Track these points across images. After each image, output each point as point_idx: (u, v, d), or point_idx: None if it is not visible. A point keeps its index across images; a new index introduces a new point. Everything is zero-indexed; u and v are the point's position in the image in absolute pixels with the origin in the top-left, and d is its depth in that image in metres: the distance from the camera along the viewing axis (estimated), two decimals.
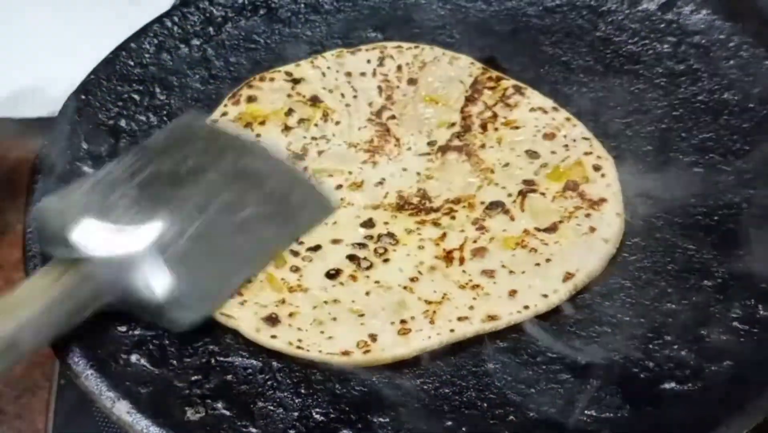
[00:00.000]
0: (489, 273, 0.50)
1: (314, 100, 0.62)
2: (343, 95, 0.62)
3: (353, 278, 0.50)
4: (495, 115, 0.60)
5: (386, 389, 0.45)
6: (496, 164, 0.57)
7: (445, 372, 0.46)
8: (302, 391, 0.45)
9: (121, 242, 0.45)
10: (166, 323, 0.46)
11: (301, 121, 0.60)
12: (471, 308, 0.48)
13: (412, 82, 0.63)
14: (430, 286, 0.49)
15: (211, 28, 0.67)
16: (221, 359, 0.46)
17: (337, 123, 0.61)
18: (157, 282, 0.45)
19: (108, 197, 0.47)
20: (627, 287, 0.49)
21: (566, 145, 0.57)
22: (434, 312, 0.48)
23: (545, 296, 0.48)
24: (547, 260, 0.50)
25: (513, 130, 0.59)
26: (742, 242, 0.50)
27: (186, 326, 0.46)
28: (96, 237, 0.45)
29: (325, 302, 0.49)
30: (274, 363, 0.46)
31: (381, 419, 0.43)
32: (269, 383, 0.45)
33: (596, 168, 0.55)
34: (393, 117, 0.61)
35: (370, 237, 0.53)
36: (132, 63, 0.64)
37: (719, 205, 0.53)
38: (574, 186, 0.54)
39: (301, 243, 0.52)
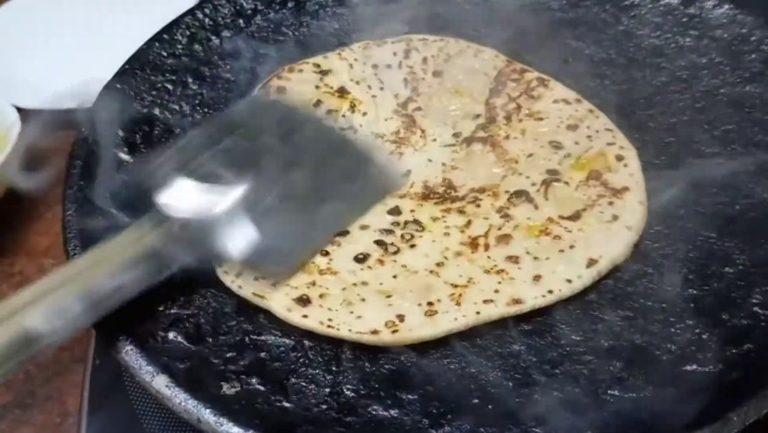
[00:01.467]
0: (514, 259, 0.51)
1: (342, 92, 0.63)
2: (369, 87, 0.64)
3: (381, 262, 0.52)
4: (519, 107, 0.61)
5: (414, 368, 0.46)
6: (520, 155, 0.58)
7: (471, 353, 0.47)
8: (333, 368, 0.46)
9: (206, 202, 0.47)
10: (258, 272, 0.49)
11: (329, 112, 0.62)
12: (496, 291, 0.49)
13: (437, 74, 0.64)
14: (455, 270, 0.51)
15: (241, 20, 0.69)
16: (254, 337, 0.48)
17: (364, 114, 0.62)
18: (243, 239, 0.47)
19: (193, 161, 0.50)
20: (649, 273, 0.50)
21: (589, 136, 0.58)
22: (460, 295, 0.49)
23: (569, 281, 0.49)
24: (571, 247, 0.51)
25: (537, 121, 0.60)
26: (763, 232, 0.51)
27: (277, 278, 0.49)
28: (182, 198, 0.47)
29: (354, 284, 0.50)
30: (306, 342, 0.48)
31: (410, 396, 0.45)
32: (301, 360, 0.47)
33: (619, 158, 0.56)
34: (419, 108, 0.62)
35: (397, 224, 0.54)
36: (165, 54, 0.65)
37: (741, 196, 0.54)
38: (597, 175, 0.55)
39: None
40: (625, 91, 0.62)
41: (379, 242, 0.53)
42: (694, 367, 0.45)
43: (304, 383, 0.45)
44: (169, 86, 0.63)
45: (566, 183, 0.55)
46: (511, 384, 0.45)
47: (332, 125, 0.60)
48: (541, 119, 0.60)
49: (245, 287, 0.50)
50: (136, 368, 0.45)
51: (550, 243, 0.52)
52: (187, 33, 0.67)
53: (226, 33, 0.68)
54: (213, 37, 0.67)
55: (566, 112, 0.60)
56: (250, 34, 0.68)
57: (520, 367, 0.46)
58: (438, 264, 0.51)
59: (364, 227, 0.54)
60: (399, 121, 0.61)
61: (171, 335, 0.47)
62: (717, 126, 0.59)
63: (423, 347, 0.47)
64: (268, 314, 0.49)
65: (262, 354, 0.47)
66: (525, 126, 0.60)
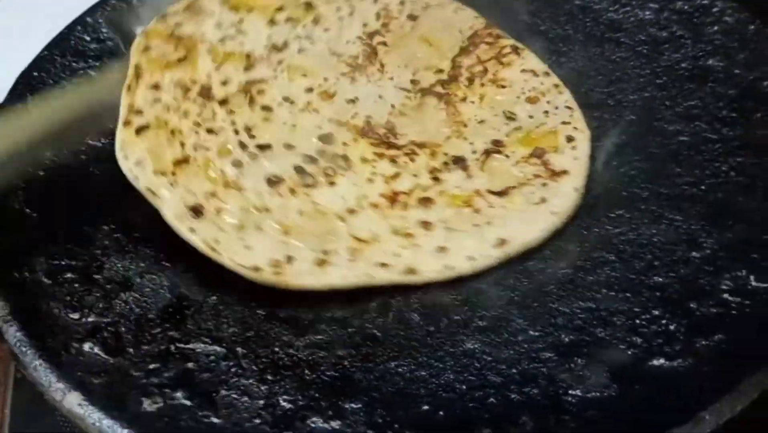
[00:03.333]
0: (426, 225, 0.48)
1: (309, 6, 0.60)
2: (339, 8, 0.61)
3: (293, 192, 0.49)
4: (485, 71, 0.58)
5: (359, 373, 0.42)
6: (471, 119, 0.55)
7: (421, 354, 0.43)
8: (269, 378, 0.42)
9: None
10: None
11: (288, 19, 0.59)
12: (396, 255, 0.46)
13: (411, 18, 0.62)
14: (365, 222, 0.48)
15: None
16: (181, 346, 0.43)
17: (326, 30, 0.59)
18: None
19: None
20: (611, 261, 0.47)
21: (546, 112, 0.55)
22: (358, 252, 0.46)
23: (472, 258, 0.47)
24: (488, 223, 0.48)
25: (498, 88, 0.57)
26: (730, 212, 0.48)
27: None
28: None
29: (256, 208, 0.47)
30: (239, 349, 0.43)
31: (353, 405, 0.40)
32: (233, 369, 0.42)
33: (569, 139, 0.54)
34: (384, 44, 0.60)
35: (324, 153, 0.51)
36: (88, 38, 0.60)
37: (706, 175, 0.51)
38: (541, 153, 0.53)
39: (253, 137, 0.51)
40: (583, 69, 0.59)
41: (298, 168, 0.50)
42: (662, 361, 0.41)
43: (235, 396, 0.41)
44: (92, 73, 0.58)
45: (507, 156, 0.53)
46: (464, 387, 0.41)
47: None
48: (503, 87, 0.58)
49: (141, 178, 0.48)
50: (45, 385, 0.40)
51: (468, 216, 0.49)
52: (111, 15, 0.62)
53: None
54: None
55: (530, 84, 0.57)
56: None
57: (474, 367, 0.42)
58: (350, 210, 0.49)
59: (289, 146, 0.51)
60: (360, 48, 0.59)
61: (87, 347, 0.43)
62: (679, 102, 0.55)
63: (369, 347, 0.43)
64: (196, 319, 0.44)
65: (190, 364, 0.42)
66: (485, 91, 0.57)
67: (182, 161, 0.50)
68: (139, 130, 0.51)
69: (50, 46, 0.59)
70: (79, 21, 0.61)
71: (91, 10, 0.62)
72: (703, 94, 0.55)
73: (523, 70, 0.58)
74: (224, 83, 0.55)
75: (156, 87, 0.53)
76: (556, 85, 0.58)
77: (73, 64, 0.59)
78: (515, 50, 0.60)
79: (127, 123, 0.51)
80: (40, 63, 0.58)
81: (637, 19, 0.61)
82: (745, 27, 0.58)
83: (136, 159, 0.49)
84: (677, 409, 0.38)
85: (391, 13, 0.62)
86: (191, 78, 0.54)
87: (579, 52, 0.60)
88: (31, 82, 0.57)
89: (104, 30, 0.61)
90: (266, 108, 0.54)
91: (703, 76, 0.56)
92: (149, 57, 0.55)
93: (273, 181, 0.49)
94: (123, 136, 0.51)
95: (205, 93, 0.54)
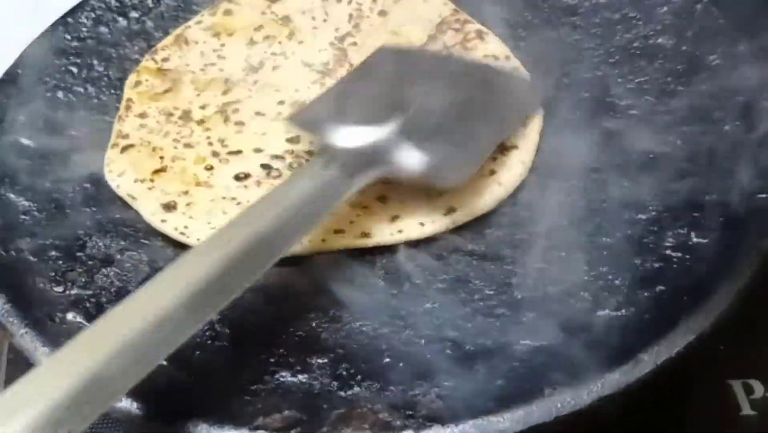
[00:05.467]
0: (383, 199, 0.51)
1: (286, 20, 0.64)
2: (314, 18, 0.64)
3: (258, 183, 0.52)
4: None
5: (324, 333, 0.45)
6: None
7: (383, 313, 0.46)
8: (240, 340, 0.45)
9: (368, 134, 0.50)
10: (432, 184, 0.51)
11: (266, 37, 0.62)
12: (351, 222, 0.49)
13: (382, 14, 0.64)
14: None
15: (149, 0, 0.67)
16: None
17: (300, 42, 0.62)
18: (412, 160, 0.49)
19: (346, 102, 0.54)
20: (564, 226, 0.49)
21: None
22: None
23: (422, 224, 0.50)
24: (439, 195, 0.51)
25: None
26: (675, 176, 0.51)
27: (452, 186, 0.51)
28: (347, 134, 0.50)
29: (223, 198, 0.51)
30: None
31: (319, 360, 0.43)
32: (207, 333, 0.45)
33: None
34: (354, 44, 0.62)
35: (291, 152, 0.54)
36: (69, 37, 0.63)
37: (655, 144, 0.53)
38: None
39: (226, 146, 0.54)
40: (540, 52, 0.62)
41: (265, 166, 0.53)
42: (606, 312, 0.44)
43: (209, 356, 0.44)
44: (74, 69, 0.61)
45: None
46: (423, 341, 0.44)
47: (467, 57, 0.61)
48: None
49: (122, 186, 0.52)
50: (31, 351, 0.43)
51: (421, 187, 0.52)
52: (93, 15, 0.65)
53: (133, 14, 0.66)
54: (120, 18, 0.66)
55: None
56: (159, 15, 0.67)
57: (433, 324, 0.45)
58: None
59: (258, 150, 0.54)
60: (331, 53, 0.61)
61: (70, 316, 0.45)
62: (630, 79, 0.58)
63: (336, 309, 0.46)
64: None
65: None
66: None
67: (160, 170, 0.54)
68: (124, 149, 0.55)
69: (33, 45, 0.62)
70: (61, 21, 0.64)
71: (72, 11, 0.65)
72: (652, 70, 0.58)
73: (485, 55, 0.61)
74: (203, 107, 0.58)
75: (143, 115, 0.58)
76: (516, 68, 0.60)
77: (56, 61, 0.62)
78: (480, 35, 0.63)
79: (114, 145, 0.56)
80: (23, 61, 0.61)
81: (591, 4, 0.64)
82: (692, 6, 0.61)
83: (119, 171, 0.54)
84: (618, 352, 0.40)
85: (363, 13, 0.64)
86: (174, 105, 0.58)
87: (537, 36, 0.63)
88: (14, 80, 0.60)
89: (84, 29, 0.64)
90: (239, 123, 0.57)
91: (654, 54, 0.59)
92: (139, 91, 0.59)
93: (240, 177, 0.53)
94: (110, 155, 0.55)
95: (185, 116, 0.57)
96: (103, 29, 0.65)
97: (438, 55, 0.61)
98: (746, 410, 0.52)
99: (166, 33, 0.65)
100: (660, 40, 0.60)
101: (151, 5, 0.67)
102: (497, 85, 0.58)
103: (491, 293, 0.46)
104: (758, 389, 0.53)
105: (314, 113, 0.54)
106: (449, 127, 0.53)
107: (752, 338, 0.54)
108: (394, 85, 0.55)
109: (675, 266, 0.46)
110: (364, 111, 0.53)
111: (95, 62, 0.62)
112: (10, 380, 0.56)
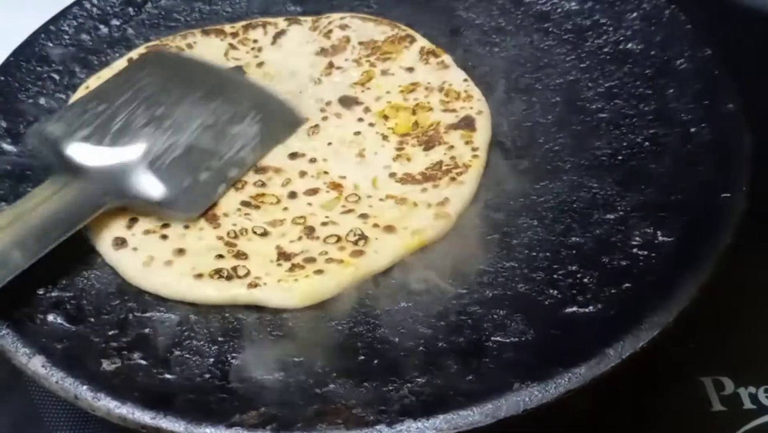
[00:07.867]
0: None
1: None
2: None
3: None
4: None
5: (302, 332, 0.46)
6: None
7: (359, 312, 0.47)
8: (219, 339, 0.46)
9: (113, 155, 0.51)
10: (167, 218, 0.51)
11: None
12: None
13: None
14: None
15: (131, 9, 0.68)
16: (139, 315, 0.47)
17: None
18: (150, 189, 0.51)
19: (97, 118, 0.53)
20: (534, 226, 0.51)
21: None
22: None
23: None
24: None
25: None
26: (642, 177, 0.52)
27: (183, 220, 0.51)
28: (90, 152, 0.51)
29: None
30: (192, 316, 0.47)
31: (295, 359, 0.44)
32: (186, 333, 0.46)
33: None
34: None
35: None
36: (51, 44, 0.64)
37: (623, 146, 0.55)
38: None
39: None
40: (514, 57, 0.64)
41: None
42: (574, 309, 0.45)
43: (188, 355, 0.45)
44: (56, 76, 0.62)
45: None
46: (396, 339, 0.45)
47: (231, 71, 0.62)
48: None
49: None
50: (12, 351, 0.44)
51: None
52: (75, 23, 0.66)
53: (115, 21, 0.67)
54: (101, 26, 0.67)
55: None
56: (140, 22, 0.68)
57: (407, 322, 0.46)
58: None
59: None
60: None
61: (50, 317, 0.46)
62: (601, 83, 0.60)
63: (314, 311, 0.47)
64: (153, 292, 0.48)
65: (146, 330, 0.46)
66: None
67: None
68: None
69: (16, 53, 0.63)
70: (43, 29, 0.65)
71: (54, 19, 0.66)
72: (622, 75, 0.60)
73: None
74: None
75: None
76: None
77: (38, 68, 0.63)
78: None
79: None
80: (6, 68, 0.62)
81: (563, 10, 0.66)
82: (661, 12, 0.63)
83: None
84: (585, 347, 0.42)
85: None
86: None
87: (510, 42, 0.65)
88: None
89: (66, 37, 0.65)
90: None
91: (623, 59, 0.61)
92: None
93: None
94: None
95: None
96: (84, 36, 0.66)
97: (206, 67, 0.61)
98: (717, 406, 0.53)
99: (147, 40, 0.66)
100: (629, 45, 0.62)
101: (132, 13, 0.68)
102: (261, 107, 0.58)
103: (463, 291, 0.47)
104: (728, 385, 0.54)
105: (60, 123, 0.53)
106: (195, 157, 0.53)
107: (722, 337, 0.56)
108: (150, 100, 0.55)
109: (641, 263, 0.47)
110: (111, 129, 0.52)
111: (77, 69, 0.63)
112: None
